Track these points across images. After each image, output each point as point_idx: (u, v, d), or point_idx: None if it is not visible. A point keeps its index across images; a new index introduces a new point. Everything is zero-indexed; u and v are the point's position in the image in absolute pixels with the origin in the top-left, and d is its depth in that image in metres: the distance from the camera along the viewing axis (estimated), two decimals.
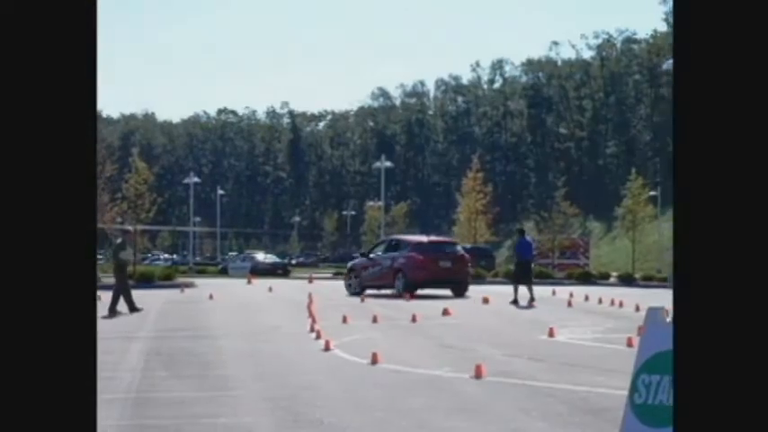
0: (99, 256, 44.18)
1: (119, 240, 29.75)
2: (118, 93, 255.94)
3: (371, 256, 36.58)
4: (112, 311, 25.52)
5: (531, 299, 30.36)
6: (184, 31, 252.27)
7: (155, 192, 52.98)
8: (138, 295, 28.52)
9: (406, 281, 34.04)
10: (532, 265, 33.92)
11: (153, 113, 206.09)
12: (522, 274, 31.88)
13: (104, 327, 22.07)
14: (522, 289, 30.97)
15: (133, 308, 26.24)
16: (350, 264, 38.61)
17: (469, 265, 36.56)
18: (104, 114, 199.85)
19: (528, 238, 35.19)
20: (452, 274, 34.49)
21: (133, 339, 19.15)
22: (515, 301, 30.34)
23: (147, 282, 42.13)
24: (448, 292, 34.15)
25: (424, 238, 38.43)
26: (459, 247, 37.28)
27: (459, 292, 34.30)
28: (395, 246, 36.56)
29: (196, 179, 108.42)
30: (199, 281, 48.41)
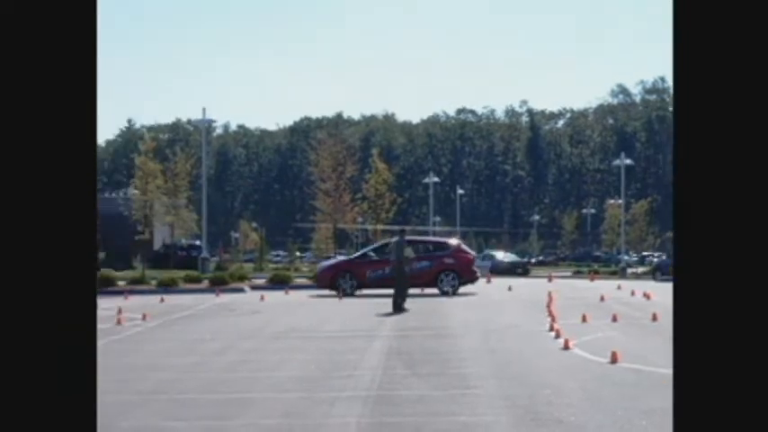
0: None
1: (396, 239, 30.28)
2: (359, 94, 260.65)
3: (372, 256, 36.68)
4: (399, 309, 26.24)
5: None
6: (422, 32, 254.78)
7: (394, 192, 53.67)
8: (387, 293, 28.90)
9: (459, 279, 35.41)
10: None
11: (393, 114, 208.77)
12: None
13: (348, 326, 22.54)
14: None
15: (401, 308, 26.67)
16: (331, 264, 38.51)
17: None
18: (345, 116, 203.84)
19: None
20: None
21: (375, 338, 19.48)
22: None
23: None
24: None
25: (453, 241, 39.50)
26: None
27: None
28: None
29: (435, 179, 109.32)
30: None
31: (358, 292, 35.12)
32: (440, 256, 36.08)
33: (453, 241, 39.31)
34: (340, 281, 35.55)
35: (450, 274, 35.33)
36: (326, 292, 35.42)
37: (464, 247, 38.89)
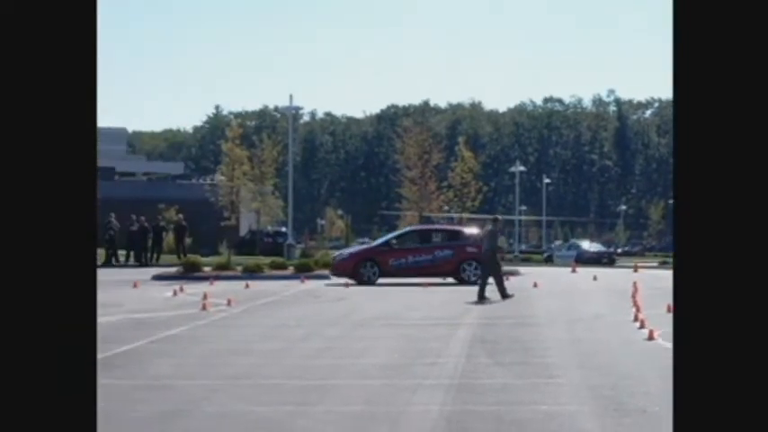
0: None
1: (489, 227, 30.22)
2: (446, 83, 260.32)
3: (395, 244, 36.44)
4: (504, 295, 26.25)
5: None
6: (509, 20, 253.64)
7: (480, 180, 53.47)
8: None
9: (483, 269, 34.61)
10: None
11: (480, 102, 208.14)
12: None
13: (432, 314, 22.57)
14: None
15: (505, 294, 26.64)
16: (353, 252, 38.11)
17: None
18: (432, 104, 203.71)
19: None
20: None
21: (459, 326, 19.47)
22: None
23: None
24: None
25: (473, 230, 38.68)
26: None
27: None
28: (427, 236, 37.24)
29: (522, 168, 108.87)
30: (524, 269, 48.53)
31: (382, 280, 34.68)
32: (462, 245, 35.82)
33: (473, 230, 38.82)
34: (362, 269, 35.12)
35: (473, 263, 34.73)
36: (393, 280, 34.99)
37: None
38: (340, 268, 36.24)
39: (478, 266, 34.47)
